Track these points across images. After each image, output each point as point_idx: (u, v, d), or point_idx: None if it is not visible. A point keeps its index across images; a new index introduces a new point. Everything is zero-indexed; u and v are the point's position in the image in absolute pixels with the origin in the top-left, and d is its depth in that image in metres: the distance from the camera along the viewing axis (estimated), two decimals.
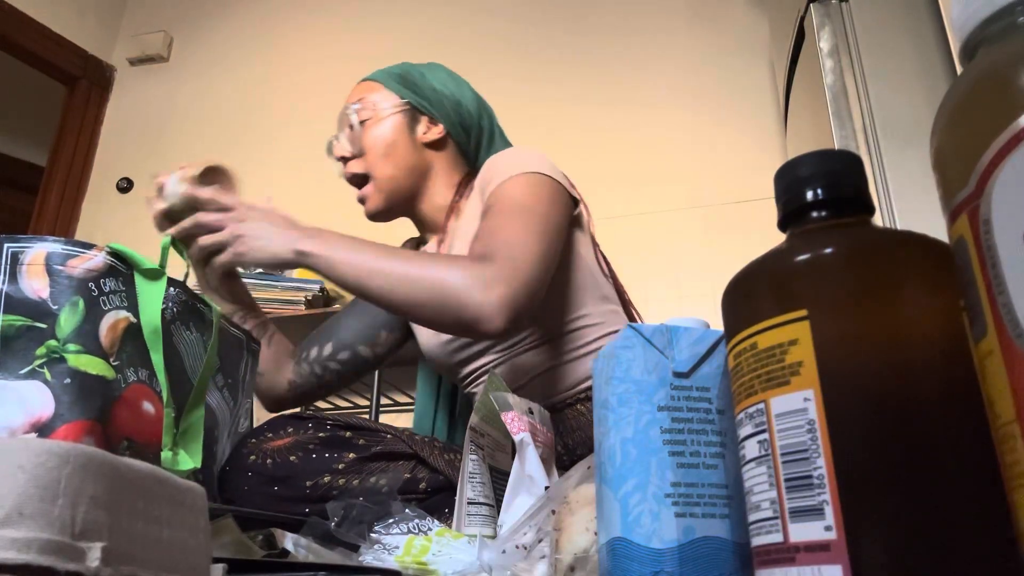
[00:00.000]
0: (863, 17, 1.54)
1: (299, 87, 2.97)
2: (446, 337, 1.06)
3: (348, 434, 0.92)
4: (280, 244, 0.89)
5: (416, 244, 1.24)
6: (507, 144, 1.19)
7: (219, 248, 0.91)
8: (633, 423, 0.42)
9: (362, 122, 1.11)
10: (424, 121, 1.13)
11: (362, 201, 1.12)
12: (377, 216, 1.12)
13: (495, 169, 1.02)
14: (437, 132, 1.13)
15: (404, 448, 0.91)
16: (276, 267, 0.92)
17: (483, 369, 1.07)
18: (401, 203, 1.12)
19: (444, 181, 1.14)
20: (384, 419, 2.31)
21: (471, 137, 1.16)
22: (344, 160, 1.12)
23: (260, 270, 2.26)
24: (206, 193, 0.91)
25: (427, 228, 1.17)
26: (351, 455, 0.89)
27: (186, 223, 0.91)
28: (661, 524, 0.40)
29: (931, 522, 0.29)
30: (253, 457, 0.88)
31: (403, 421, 2.23)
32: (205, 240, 0.91)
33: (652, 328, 0.44)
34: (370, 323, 1.18)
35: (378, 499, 0.69)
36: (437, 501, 0.87)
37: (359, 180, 1.12)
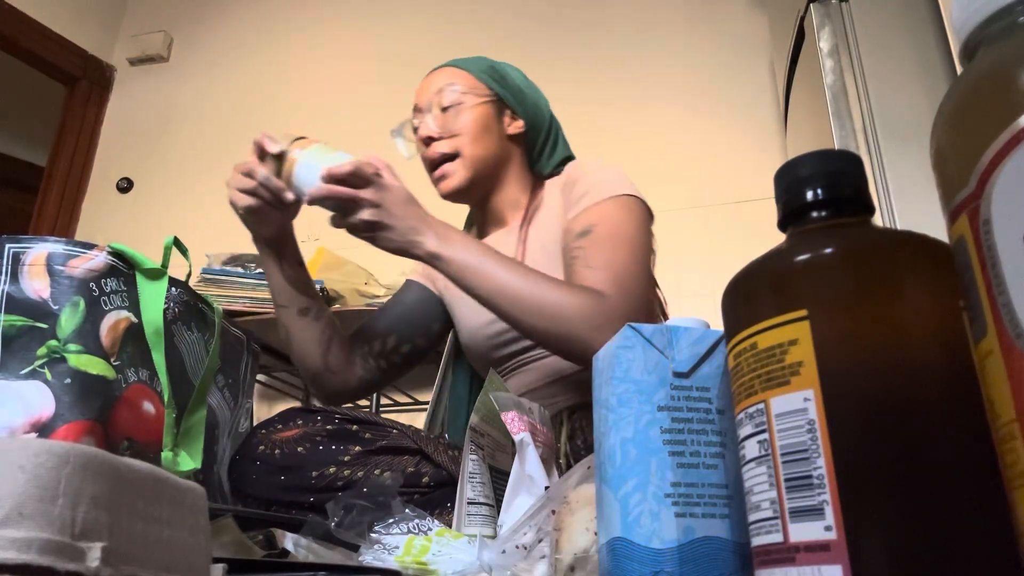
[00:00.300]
0: (863, 17, 1.53)
1: (299, 87, 2.97)
2: (493, 329, 1.07)
3: (355, 428, 0.94)
4: (413, 241, 0.89)
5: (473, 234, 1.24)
6: (567, 151, 1.22)
7: (354, 224, 0.89)
8: (633, 423, 0.42)
9: (455, 105, 1.12)
10: (508, 114, 1.15)
11: (442, 178, 1.11)
12: (456, 194, 1.11)
13: (589, 181, 1.04)
14: (518, 127, 1.16)
15: (409, 443, 0.93)
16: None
17: (526, 358, 1.08)
18: (480, 187, 1.13)
19: (517, 177, 1.16)
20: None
21: (539, 138, 1.19)
22: (429, 140, 1.11)
23: (260, 269, 2.26)
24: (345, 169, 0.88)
25: (492, 220, 1.18)
26: (357, 448, 0.91)
27: (316, 192, 0.88)
28: (661, 524, 0.40)
29: (931, 522, 0.29)
30: (262, 447, 0.91)
31: (403, 421, 2.23)
32: (337, 223, 0.90)
33: (652, 328, 0.44)
34: (424, 315, 1.19)
35: (381, 493, 0.69)
36: (440, 496, 0.89)
37: (441, 161, 1.11)
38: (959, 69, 0.31)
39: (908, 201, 1.36)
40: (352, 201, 0.87)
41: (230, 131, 2.99)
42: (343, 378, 1.11)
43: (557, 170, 1.21)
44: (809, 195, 0.37)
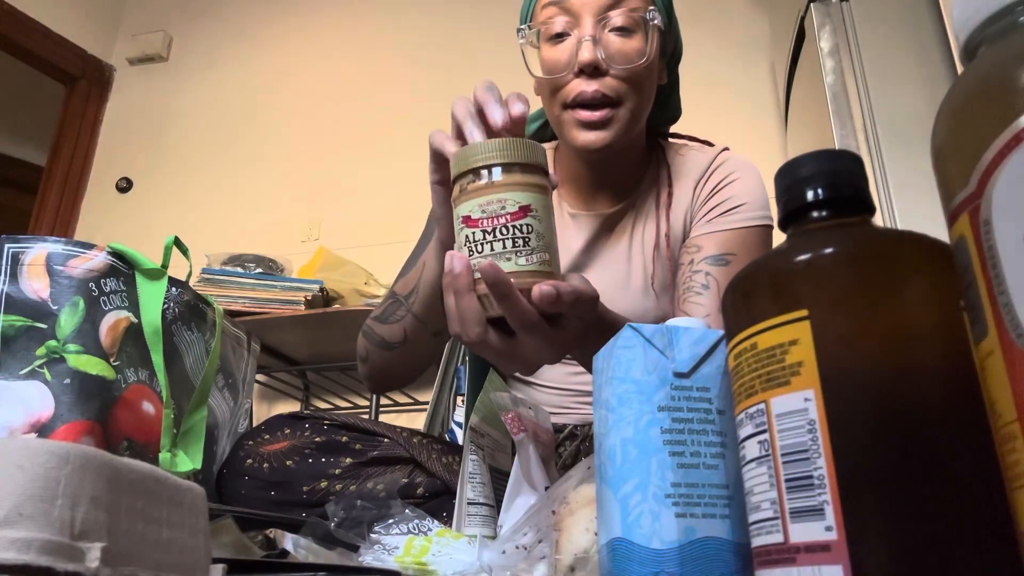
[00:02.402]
0: (863, 17, 1.54)
1: (299, 86, 2.97)
2: None
3: (345, 438, 0.90)
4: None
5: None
6: (678, 108, 1.03)
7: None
8: (633, 423, 0.42)
9: (636, 31, 0.82)
10: (662, 58, 0.90)
11: (599, 126, 0.82)
12: (605, 150, 0.84)
13: (745, 194, 0.88)
14: (663, 78, 0.92)
15: (401, 452, 0.90)
16: None
17: None
18: (615, 148, 0.85)
19: (641, 143, 0.93)
20: (384, 419, 2.31)
21: (658, 92, 0.93)
22: (594, 71, 0.81)
23: (260, 269, 2.26)
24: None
25: (602, 188, 0.94)
26: (348, 460, 0.88)
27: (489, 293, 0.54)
28: (661, 524, 0.40)
29: (931, 523, 0.29)
30: (250, 461, 0.87)
31: (403, 421, 2.23)
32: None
33: (652, 328, 0.44)
34: None
35: (376, 502, 0.69)
36: (434, 505, 0.86)
37: (600, 102, 0.82)
38: (959, 69, 0.31)
39: (908, 201, 1.36)
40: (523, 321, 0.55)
41: (230, 131, 2.99)
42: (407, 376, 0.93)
43: (663, 129, 1.02)
44: (810, 195, 0.37)
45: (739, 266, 0.82)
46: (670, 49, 0.93)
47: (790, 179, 0.39)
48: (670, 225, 0.91)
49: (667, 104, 1.00)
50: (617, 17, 0.81)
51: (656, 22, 0.82)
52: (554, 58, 0.84)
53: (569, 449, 0.98)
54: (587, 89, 0.81)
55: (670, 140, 1.02)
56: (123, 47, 3.27)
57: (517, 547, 0.55)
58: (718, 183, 0.91)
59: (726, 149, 0.97)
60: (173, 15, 3.29)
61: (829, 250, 0.34)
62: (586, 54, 0.80)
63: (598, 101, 0.82)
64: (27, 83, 3.35)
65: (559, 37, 0.84)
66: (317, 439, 0.89)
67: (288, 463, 0.87)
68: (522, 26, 0.87)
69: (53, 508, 0.28)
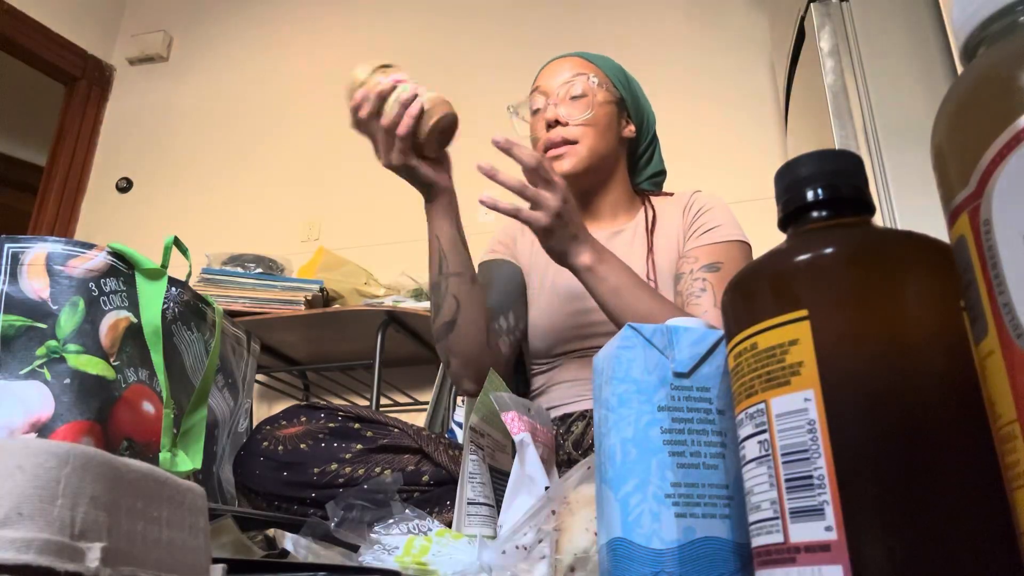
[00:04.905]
0: (863, 17, 1.53)
1: (299, 86, 2.97)
2: (584, 319, 1.09)
3: (357, 426, 0.95)
4: (573, 250, 0.91)
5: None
6: (661, 165, 1.27)
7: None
8: (633, 423, 0.42)
9: (586, 96, 1.14)
10: (624, 117, 1.20)
11: (556, 158, 1.12)
12: (571, 176, 1.12)
13: (721, 217, 1.11)
14: (631, 131, 1.20)
15: (410, 442, 0.94)
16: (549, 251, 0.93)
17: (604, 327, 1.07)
18: (588, 179, 1.14)
19: (622, 183, 1.21)
20: None
21: (641, 147, 1.24)
22: (555, 124, 1.13)
23: (260, 269, 2.26)
24: (535, 162, 0.88)
25: (589, 216, 1.20)
26: (358, 446, 0.92)
27: (512, 183, 0.87)
28: (661, 524, 0.40)
29: (931, 522, 0.29)
30: (266, 443, 0.92)
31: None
32: (526, 214, 0.89)
33: (652, 328, 0.44)
34: (524, 295, 1.18)
35: (381, 491, 0.69)
36: (439, 493, 0.90)
37: (560, 144, 1.12)
38: (959, 69, 0.31)
39: (908, 201, 1.36)
40: (535, 198, 0.88)
41: (230, 131, 2.99)
42: (496, 356, 1.06)
43: (654, 182, 1.26)
44: (809, 195, 0.37)
45: (727, 272, 1.00)
46: (638, 116, 1.22)
47: (790, 179, 0.39)
48: (654, 242, 1.15)
49: (650, 160, 1.26)
50: (572, 88, 1.15)
51: (595, 84, 1.15)
52: (535, 124, 1.18)
53: (580, 427, 1.01)
54: (553, 137, 1.13)
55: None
56: (123, 47, 3.27)
57: (517, 547, 0.55)
58: (697, 211, 1.15)
59: (699, 191, 1.22)
60: (173, 15, 3.29)
61: (829, 250, 0.34)
62: (548, 114, 1.14)
63: (558, 143, 1.13)
64: (27, 83, 3.34)
65: (538, 111, 1.18)
66: (331, 425, 0.95)
67: (302, 446, 0.92)
68: (512, 104, 1.22)
69: (53, 508, 0.28)
